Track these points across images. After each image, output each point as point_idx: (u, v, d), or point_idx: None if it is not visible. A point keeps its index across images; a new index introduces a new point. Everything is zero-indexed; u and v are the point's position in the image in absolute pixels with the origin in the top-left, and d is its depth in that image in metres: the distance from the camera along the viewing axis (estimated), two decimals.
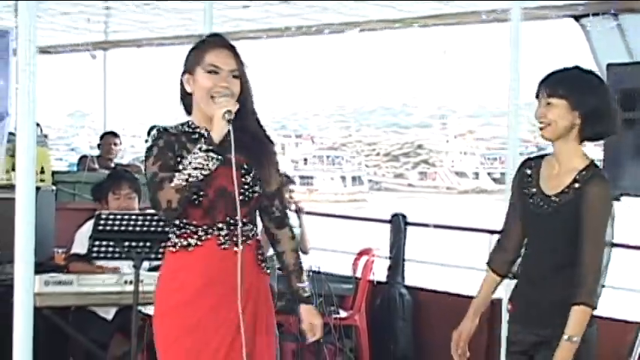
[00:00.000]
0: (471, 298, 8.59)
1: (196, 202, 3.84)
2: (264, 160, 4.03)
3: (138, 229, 6.14)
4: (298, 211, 8.51)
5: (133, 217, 6.19)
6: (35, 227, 7.86)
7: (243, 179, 3.97)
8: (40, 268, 6.58)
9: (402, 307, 8.78)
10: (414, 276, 9.17)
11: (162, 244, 6.11)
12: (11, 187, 8.44)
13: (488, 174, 60.92)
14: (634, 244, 7.47)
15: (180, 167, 3.79)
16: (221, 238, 3.93)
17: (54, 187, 8.11)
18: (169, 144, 3.91)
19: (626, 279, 6.63)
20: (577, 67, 4.35)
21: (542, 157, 4.40)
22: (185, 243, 3.92)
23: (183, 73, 4.01)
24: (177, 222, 3.92)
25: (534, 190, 4.30)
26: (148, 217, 6.19)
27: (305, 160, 66.60)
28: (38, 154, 8.46)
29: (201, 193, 3.83)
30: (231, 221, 3.94)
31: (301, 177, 62.82)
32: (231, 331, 3.92)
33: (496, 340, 6.30)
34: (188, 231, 3.92)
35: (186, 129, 3.99)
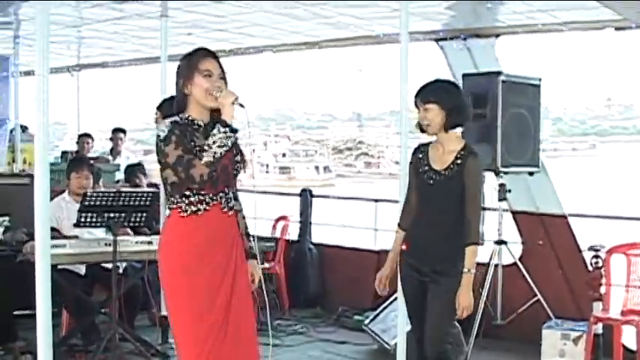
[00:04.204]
0: (359, 250, 8.75)
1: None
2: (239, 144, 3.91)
3: (114, 203, 6.02)
4: None
5: (111, 195, 6.08)
6: (32, 205, 7.71)
7: (235, 159, 3.91)
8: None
9: (310, 258, 8.82)
10: (319, 235, 9.19)
11: (134, 215, 6.13)
12: (10, 175, 8.29)
13: None
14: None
15: (206, 147, 3.68)
16: (222, 203, 3.86)
17: None
18: (183, 132, 3.76)
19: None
20: (438, 80, 4.61)
21: (428, 144, 4.60)
22: (195, 209, 3.79)
23: (180, 78, 3.88)
24: (186, 193, 3.78)
25: (427, 167, 4.51)
26: (122, 195, 6.10)
27: (284, 154, 65.12)
28: (31, 150, 8.34)
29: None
30: (226, 190, 3.88)
31: (281, 167, 61.70)
32: (229, 272, 3.88)
33: None
34: (197, 199, 3.79)
35: (186, 121, 3.84)
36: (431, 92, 4.46)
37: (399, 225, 4.72)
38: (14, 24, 7.88)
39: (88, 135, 10.23)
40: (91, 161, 7.81)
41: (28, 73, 9.68)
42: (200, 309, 3.79)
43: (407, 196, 4.70)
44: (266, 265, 8.34)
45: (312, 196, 9.17)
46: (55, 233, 6.47)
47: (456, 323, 6.54)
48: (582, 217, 7.62)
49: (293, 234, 8.93)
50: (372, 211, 9.03)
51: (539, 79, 7.00)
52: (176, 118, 3.84)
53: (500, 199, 6.96)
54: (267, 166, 62.05)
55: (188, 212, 3.80)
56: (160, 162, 3.81)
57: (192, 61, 3.86)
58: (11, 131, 9.74)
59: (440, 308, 4.43)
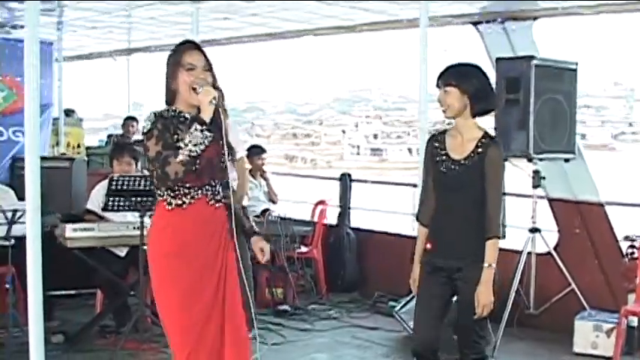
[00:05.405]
0: (398, 235, 8.66)
1: (193, 169, 3.73)
2: (228, 133, 3.87)
3: (142, 187, 6.07)
4: (263, 173, 8.64)
5: (137, 178, 6.14)
6: (70, 188, 7.90)
7: (222, 151, 3.84)
8: (76, 218, 6.61)
9: (348, 243, 8.79)
10: (357, 219, 9.15)
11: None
12: (54, 159, 8.50)
13: None
14: (518, 192, 7.44)
15: (182, 145, 3.68)
16: (208, 196, 3.85)
17: (86, 158, 8.10)
18: (166, 126, 3.76)
19: (511, 219, 6.59)
20: (462, 63, 4.44)
21: (444, 132, 4.42)
22: (180, 202, 3.79)
23: (168, 74, 3.89)
24: (171, 185, 3.77)
25: (444, 157, 4.32)
26: (149, 178, 6.16)
27: (375, 135, 63.78)
28: (75, 134, 8.56)
29: (197, 162, 3.73)
30: (212, 183, 3.88)
31: (372, 149, 60.04)
32: (217, 266, 3.88)
33: None
34: (181, 192, 3.79)
35: (174, 114, 3.85)
36: (452, 75, 4.32)
37: (418, 220, 4.51)
38: (57, 10, 8.02)
39: (133, 118, 10.40)
40: (134, 145, 7.94)
41: (74, 58, 9.89)
42: (185, 300, 3.78)
43: (424, 188, 4.50)
44: (303, 249, 8.39)
45: (351, 180, 9.15)
46: (92, 216, 6.64)
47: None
48: (622, 206, 7.44)
49: (331, 218, 8.91)
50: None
51: (576, 64, 6.80)
52: (161, 110, 3.85)
53: (534, 186, 6.83)
54: (359, 147, 60.68)
55: (173, 205, 3.80)
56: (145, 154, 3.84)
57: (176, 57, 3.87)
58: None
59: (471, 301, 4.23)
